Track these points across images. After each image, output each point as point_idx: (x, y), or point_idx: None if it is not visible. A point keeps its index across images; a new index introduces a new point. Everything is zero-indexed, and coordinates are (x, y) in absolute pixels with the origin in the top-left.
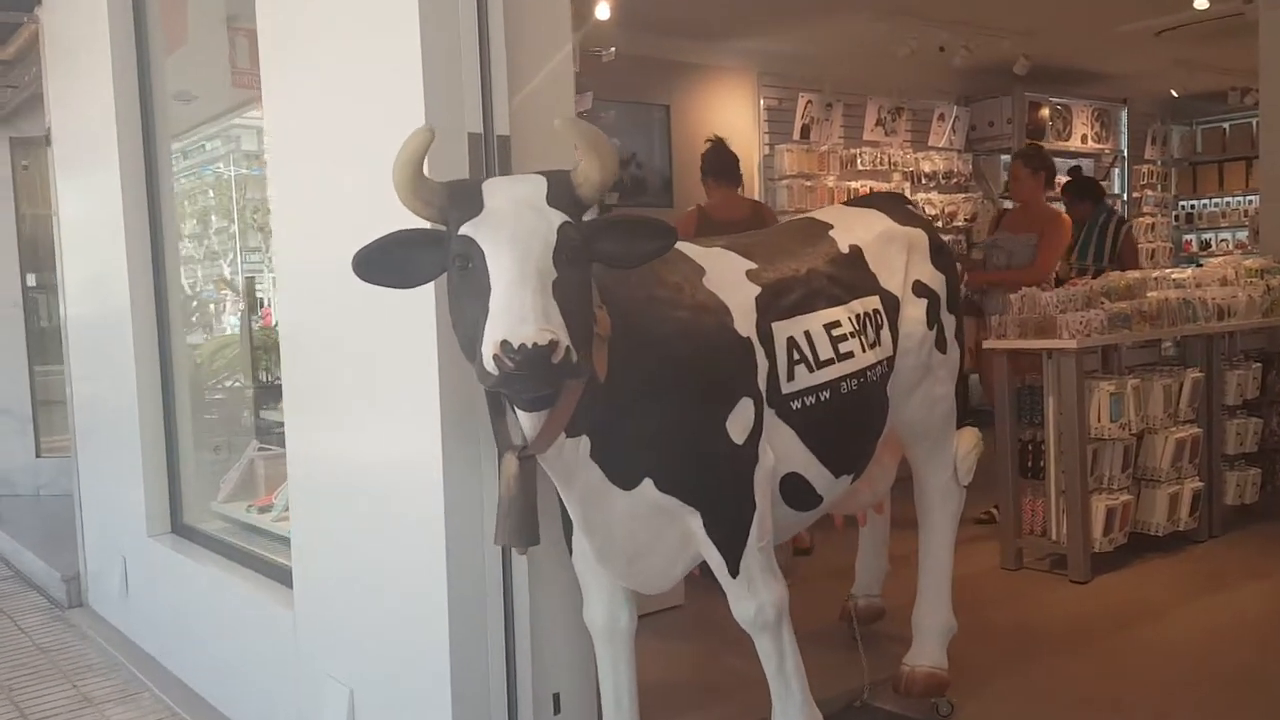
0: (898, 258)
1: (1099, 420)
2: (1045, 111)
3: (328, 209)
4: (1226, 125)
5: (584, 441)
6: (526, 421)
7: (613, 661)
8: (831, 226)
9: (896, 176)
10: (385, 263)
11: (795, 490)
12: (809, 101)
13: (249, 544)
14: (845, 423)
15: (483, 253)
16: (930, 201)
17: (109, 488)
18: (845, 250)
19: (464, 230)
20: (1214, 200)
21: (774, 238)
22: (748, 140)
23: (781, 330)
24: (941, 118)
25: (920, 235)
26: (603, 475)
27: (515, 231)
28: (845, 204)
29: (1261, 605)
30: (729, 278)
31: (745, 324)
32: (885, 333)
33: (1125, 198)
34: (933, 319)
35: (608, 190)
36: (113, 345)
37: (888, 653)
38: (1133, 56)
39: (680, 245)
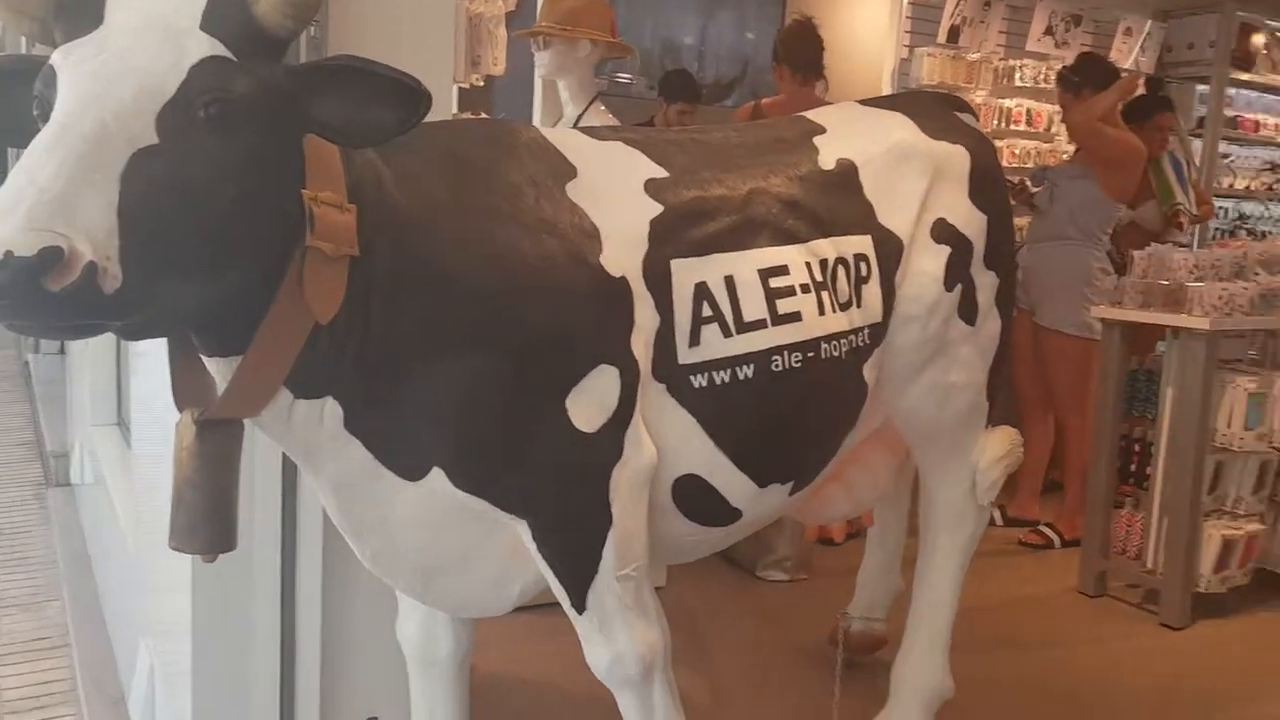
0: (913, 184)
1: (1229, 425)
2: (1260, 38)
3: None
4: None
5: (330, 406)
6: (212, 369)
7: (427, 696)
8: (821, 130)
9: None
10: None
11: (695, 498)
12: None
13: None
14: (779, 413)
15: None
16: None
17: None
18: (830, 166)
19: (54, 57)
20: None
21: (715, 137)
22: (882, 39)
23: (687, 272)
24: (1129, 32)
25: (959, 154)
26: (369, 456)
27: (106, 63)
28: (867, 101)
29: None
30: (613, 187)
31: (624, 258)
32: (872, 290)
33: None
34: (956, 276)
35: (311, 13)
36: None
37: (879, 696)
38: None
39: (552, 130)
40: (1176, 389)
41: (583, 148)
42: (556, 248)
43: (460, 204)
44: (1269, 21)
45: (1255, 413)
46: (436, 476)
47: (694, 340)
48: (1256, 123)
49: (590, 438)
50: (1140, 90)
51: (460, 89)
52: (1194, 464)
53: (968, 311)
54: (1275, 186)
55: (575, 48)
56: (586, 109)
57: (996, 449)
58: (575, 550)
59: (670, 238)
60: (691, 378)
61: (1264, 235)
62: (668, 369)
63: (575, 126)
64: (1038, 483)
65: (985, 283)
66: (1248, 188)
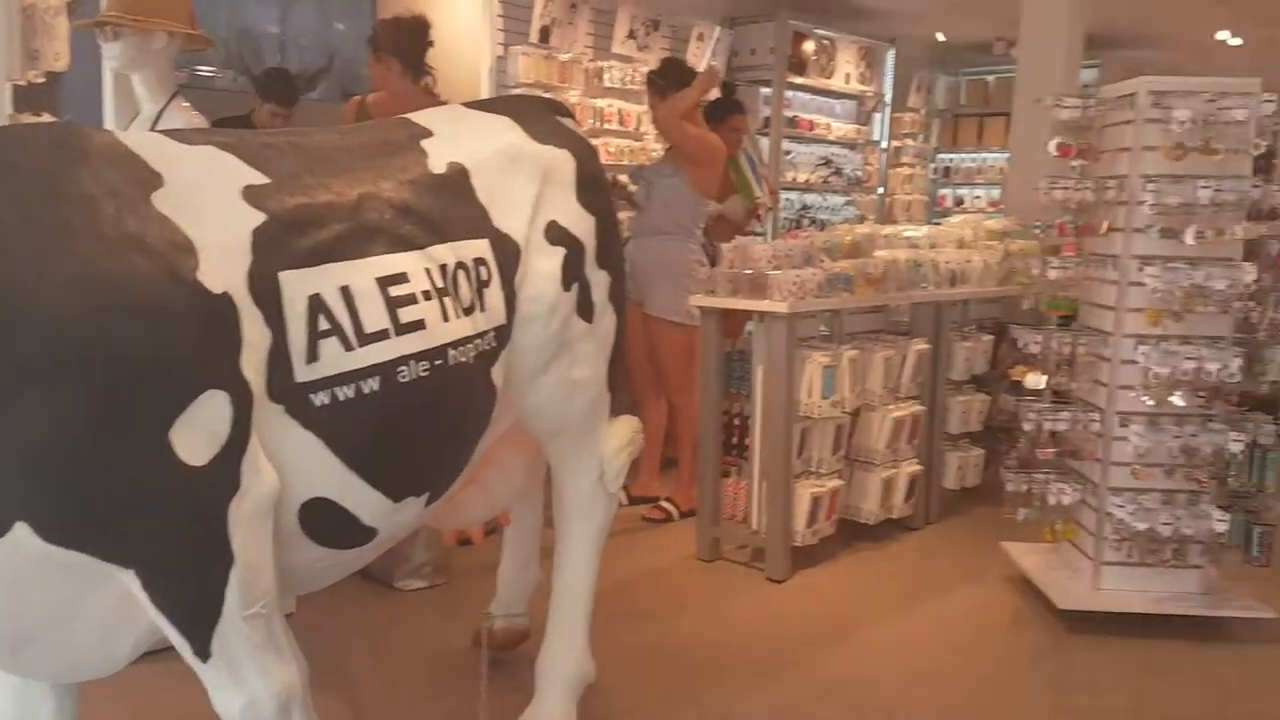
0: (525, 187)
1: (810, 395)
2: (810, 45)
3: None
4: (990, 78)
5: None
6: None
7: None
8: (428, 134)
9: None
10: None
11: (326, 522)
12: None
13: None
14: (411, 424)
15: None
16: None
17: None
18: (441, 170)
19: None
20: (972, 155)
21: (317, 140)
22: (476, 37)
23: (299, 284)
24: (701, 38)
25: (564, 159)
26: None
27: None
28: (471, 104)
29: (966, 628)
30: (207, 195)
31: (225, 272)
32: (494, 293)
33: (885, 145)
34: (572, 276)
35: None
36: None
37: (527, 689)
38: None
39: (130, 134)
40: (765, 366)
41: (168, 153)
42: (144, 264)
43: (26, 220)
44: (817, 30)
45: (829, 383)
46: (20, 532)
47: (312, 356)
48: (811, 122)
49: (201, 471)
50: (717, 94)
51: (16, 88)
52: (784, 432)
53: (585, 309)
54: (830, 180)
55: (149, 39)
56: (166, 106)
57: (620, 438)
58: (194, 595)
59: (276, 248)
60: (312, 396)
61: (824, 224)
62: (285, 389)
63: (156, 125)
64: (656, 461)
65: (599, 281)
66: (807, 181)
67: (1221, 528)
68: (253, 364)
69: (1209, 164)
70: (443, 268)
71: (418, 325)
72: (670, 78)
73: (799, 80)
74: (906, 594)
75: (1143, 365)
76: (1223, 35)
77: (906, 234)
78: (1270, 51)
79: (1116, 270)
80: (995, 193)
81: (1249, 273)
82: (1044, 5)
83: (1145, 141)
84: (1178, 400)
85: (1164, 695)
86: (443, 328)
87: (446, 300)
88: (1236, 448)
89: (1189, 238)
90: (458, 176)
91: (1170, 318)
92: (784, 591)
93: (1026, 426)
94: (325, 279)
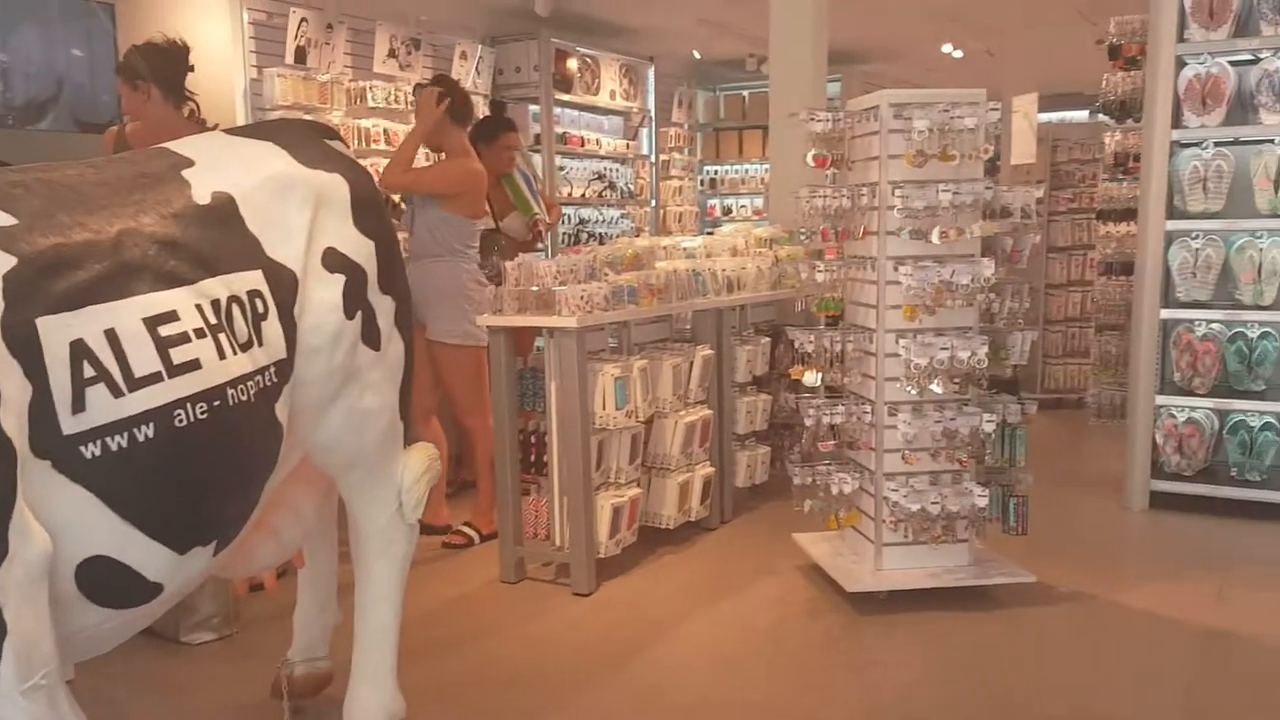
0: (297, 215)
1: (604, 407)
2: (573, 62)
3: None
4: (746, 93)
5: None
6: None
7: None
8: (189, 163)
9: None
10: None
11: (106, 582)
12: (304, 19)
13: None
14: (192, 471)
15: None
16: None
17: None
18: (206, 200)
19: None
20: (735, 166)
21: (67, 175)
22: (228, 59)
23: (59, 331)
24: (464, 56)
25: (338, 183)
26: None
27: None
28: (233, 130)
29: (767, 619)
30: None
31: None
32: (272, 326)
33: (654, 159)
34: (355, 304)
35: None
36: None
37: None
38: (658, 12)
39: None
40: (559, 381)
41: None
42: None
43: None
44: (579, 48)
45: (622, 393)
46: None
47: (78, 406)
48: (582, 138)
49: None
50: (487, 112)
51: None
52: (582, 446)
53: (371, 337)
54: (604, 194)
55: None
56: None
57: (417, 466)
58: None
59: (31, 294)
60: (81, 449)
61: (602, 237)
62: (51, 443)
63: None
64: (443, 486)
65: (384, 307)
66: (583, 196)
67: (982, 502)
68: (13, 419)
69: (947, 169)
70: (215, 303)
71: (192, 365)
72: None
73: (566, 97)
74: (709, 592)
75: (904, 358)
76: (947, 49)
77: (684, 245)
78: (987, 62)
79: (874, 271)
80: (759, 201)
81: (988, 268)
82: (790, 25)
83: (890, 150)
84: (936, 388)
85: (946, 663)
86: (220, 366)
87: (222, 337)
88: (990, 428)
89: (935, 238)
90: (225, 206)
91: (924, 312)
92: (592, 604)
93: (807, 422)
94: (87, 323)
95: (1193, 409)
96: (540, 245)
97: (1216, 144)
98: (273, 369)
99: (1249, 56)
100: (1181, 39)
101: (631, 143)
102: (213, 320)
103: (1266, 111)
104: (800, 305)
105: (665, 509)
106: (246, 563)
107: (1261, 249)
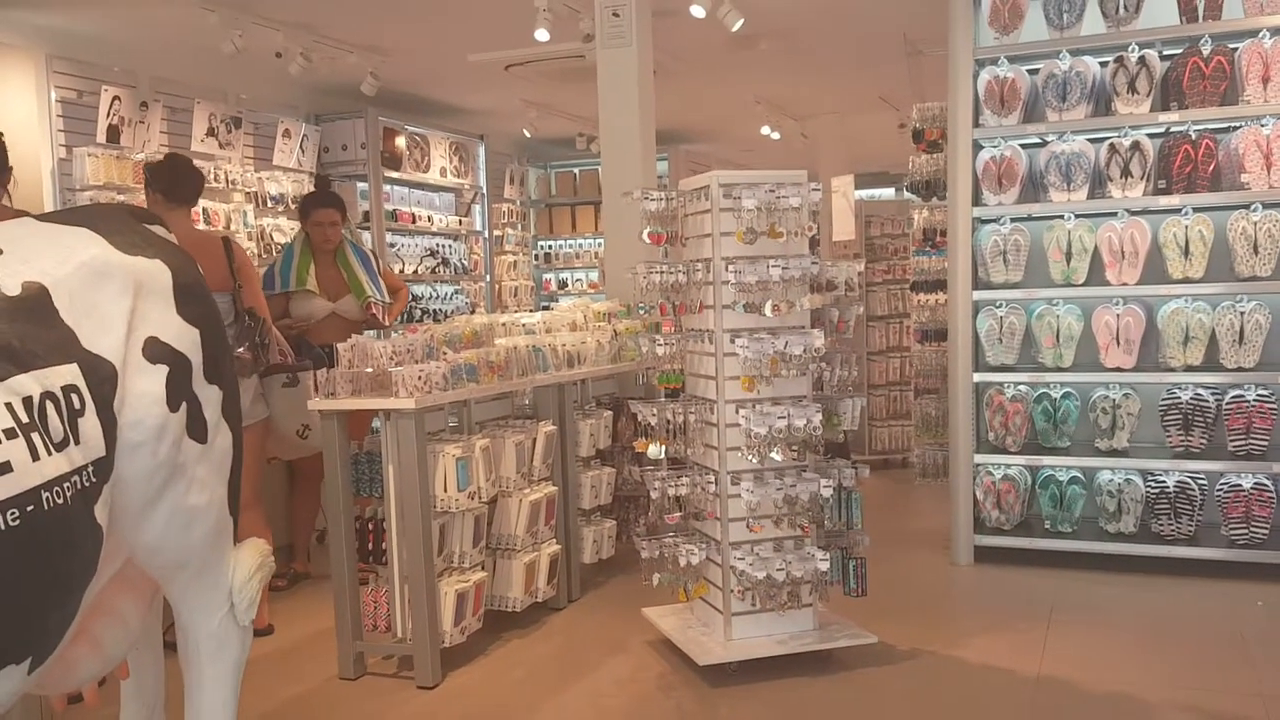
0: (116, 304)
1: (445, 489)
2: (401, 140)
3: None
4: (577, 170)
5: None
6: None
7: None
8: None
9: (238, 196)
10: None
11: None
12: (117, 97)
13: None
14: (3, 582)
15: None
16: (279, 228)
17: None
18: (15, 291)
19: None
20: (569, 241)
21: None
22: (34, 138)
23: None
24: (288, 134)
25: (157, 269)
26: None
27: None
28: (45, 216)
29: (619, 698)
30: None
31: None
32: (89, 422)
33: (487, 234)
34: (179, 395)
35: None
36: None
37: None
38: (487, 92)
39: None
40: (397, 465)
41: None
42: None
43: None
44: (408, 126)
45: (464, 474)
46: None
47: None
48: (414, 215)
49: None
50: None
51: None
52: (423, 531)
53: (197, 430)
54: (437, 270)
55: None
56: None
57: (249, 563)
58: None
59: None
60: None
61: (436, 314)
62: None
63: None
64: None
65: (210, 397)
66: (415, 272)
67: (824, 566)
68: None
69: (776, 245)
70: (27, 400)
71: (3, 469)
72: (165, 178)
73: (395, 174)
74: (559, 675)
75: (744, 427)
76: (765, 130)
77: (523, 321)
78: (800, 143)
79: (712, 344)
80: (594, 275)
81: (818, 338)
82: (617, 107)
83: (722, 228)
84: (776, 456)
85: None
86: (33, 468)
87: (35, 436)
88: (827, 492)
89: (767, 311)
90: (36, 297)
91: (761, 382)
92: (438, 697)
93: (652, 494)
94: None
95: (1008, 466)
96: (389, 324)
97: (1013, 220)
98: (91, 468)
99: (1038, 140)
100: (977, 124)
101: (465, 219)
102: (24, 419)
103: (1055, 190)
104: (641, 378)
105: (512, 591)
106: (65, 677)
107: (1058, 315)
